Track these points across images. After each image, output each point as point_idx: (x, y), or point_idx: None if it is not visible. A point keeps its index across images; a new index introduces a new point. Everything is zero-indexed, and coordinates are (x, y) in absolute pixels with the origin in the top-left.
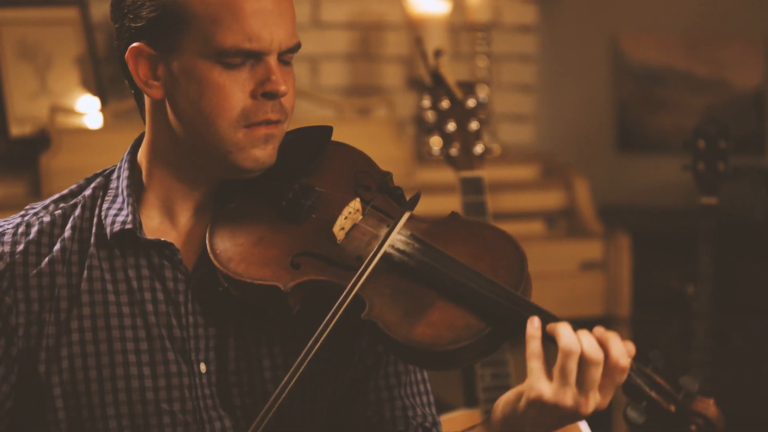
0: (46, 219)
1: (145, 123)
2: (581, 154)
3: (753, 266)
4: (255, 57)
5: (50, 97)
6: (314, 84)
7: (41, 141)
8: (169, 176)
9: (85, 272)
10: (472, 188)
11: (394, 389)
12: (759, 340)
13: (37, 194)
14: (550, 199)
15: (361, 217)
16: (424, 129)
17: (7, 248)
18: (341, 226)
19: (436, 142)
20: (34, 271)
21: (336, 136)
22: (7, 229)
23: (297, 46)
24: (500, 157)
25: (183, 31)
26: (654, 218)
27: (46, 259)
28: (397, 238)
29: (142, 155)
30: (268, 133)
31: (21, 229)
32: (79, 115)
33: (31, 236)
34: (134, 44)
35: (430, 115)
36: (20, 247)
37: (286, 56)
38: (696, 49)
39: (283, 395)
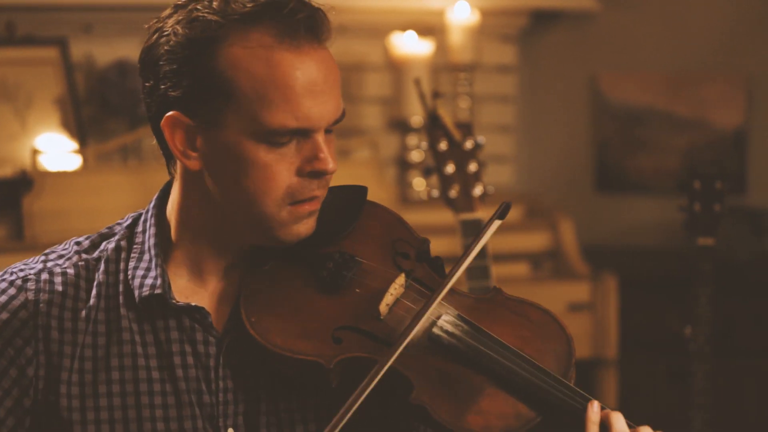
0: (71, 271)
1: (172, 177)
2: (561, 194)
3: (740, 307)
4: (303, 134)
5: (30, 138)
6: None
7: (22, 183)
8: (200, 238)
9: (114, 335)
10: (473, 230)
11: None
12: (749, 383)
13: (19, 237)
14: (535, 241)
15: (403, 291)
16: (424, 171)
17: (31, 296)
18: (386, 302)
19: (419, 184)
20: (57, 324)
21: None
22: (30, 275)
23: (342, 116)
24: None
25: (226, 106)
26: (636, 259)
27: (71, 315)
28: (446, 320)
29: (171, 213)
30: (312, 210)
31: (44, 277)
32: (61, 156)
33: (56, 287)
34: (171, 113)
35: (427, 157)
36: (44, 296)
37: (330, 126)
38: (676, 89)
39: None
